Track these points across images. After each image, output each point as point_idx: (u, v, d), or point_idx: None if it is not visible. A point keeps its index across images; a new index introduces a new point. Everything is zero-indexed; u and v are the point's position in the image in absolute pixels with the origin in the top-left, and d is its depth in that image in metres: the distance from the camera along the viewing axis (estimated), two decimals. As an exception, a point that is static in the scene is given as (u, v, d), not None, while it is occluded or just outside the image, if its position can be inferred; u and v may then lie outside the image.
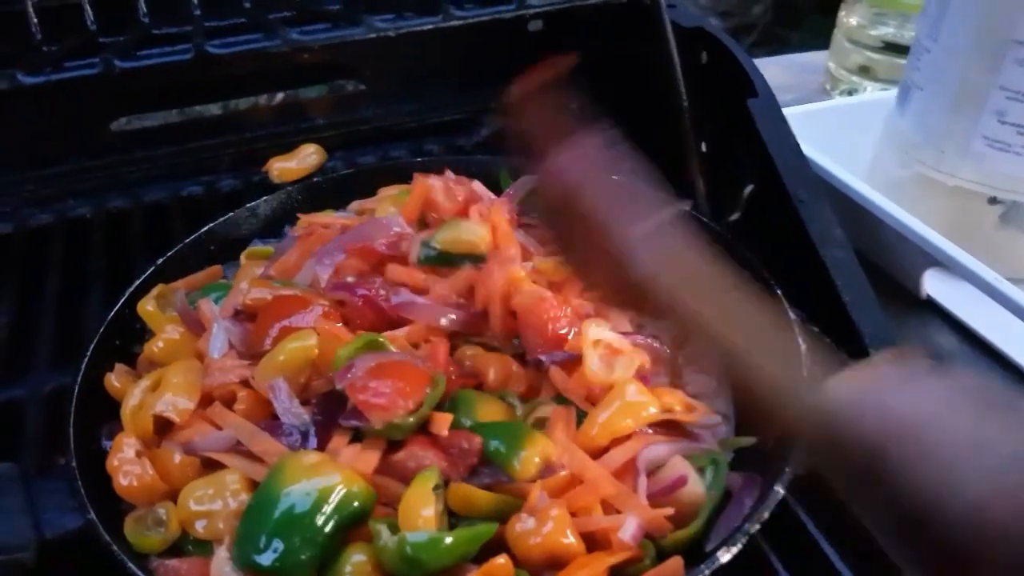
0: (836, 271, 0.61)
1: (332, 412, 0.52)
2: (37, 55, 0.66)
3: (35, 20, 0.73)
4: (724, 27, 2.77)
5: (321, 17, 0.59)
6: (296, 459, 0.49)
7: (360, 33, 0.52)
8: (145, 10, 0.75)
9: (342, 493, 0.47)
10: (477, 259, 0.64)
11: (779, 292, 0.62)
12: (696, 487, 0.53)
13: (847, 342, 0.62)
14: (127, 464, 0.52)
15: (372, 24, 0.52)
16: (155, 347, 0.62)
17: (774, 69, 1.19)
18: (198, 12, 0.76)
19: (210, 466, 0.53)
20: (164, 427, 0.55)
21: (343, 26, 0.53)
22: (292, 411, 0.53)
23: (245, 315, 0.63)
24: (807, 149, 0.71)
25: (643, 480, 0.52)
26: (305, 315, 0.59)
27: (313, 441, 0.51)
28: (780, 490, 0.49)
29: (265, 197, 0.78)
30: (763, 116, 0.69)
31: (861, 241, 0.73)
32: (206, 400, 0.56)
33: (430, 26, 0.53)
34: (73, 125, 0.93)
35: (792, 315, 0.60)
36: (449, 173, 0.74)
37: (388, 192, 0.77)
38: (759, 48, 2.83)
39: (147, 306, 0.65)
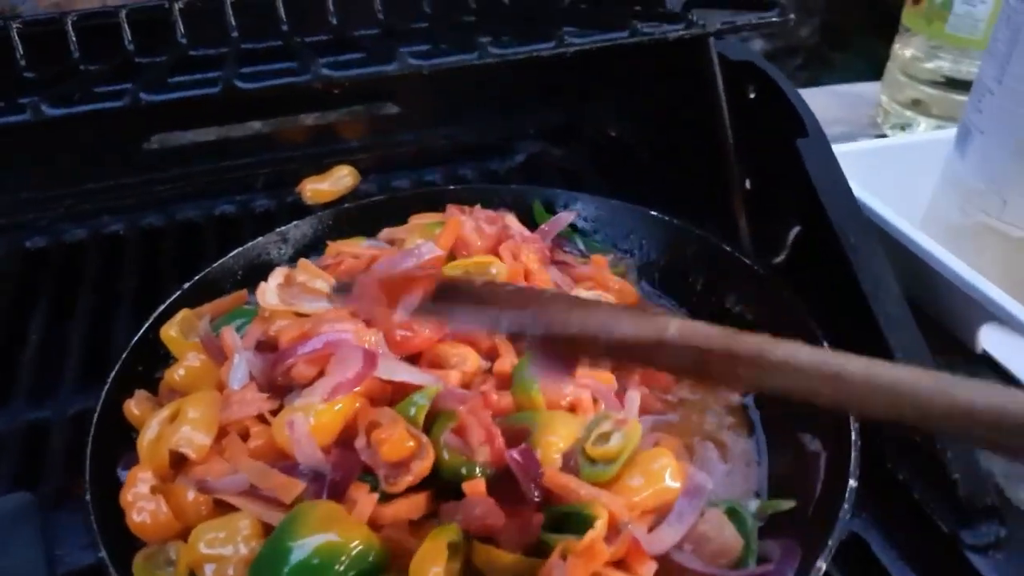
0: (888, 326, 0.58)
1: (351, 463, 0.50)
2: (73, 76, 0.66)
3: (74, 39, 0.73)
4: (769, 48, 2.74)
5: (356, 44, 0.57)
6: (312, 509, 0.47)
7: (392, 69, 0.50)
8: (183, 31, 0.75)
9: (357, 549, 0.45)
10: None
11: (824, 343, 0.58)
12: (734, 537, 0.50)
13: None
14: (141, 500, 0.50)
15: (405, 60, 0.50)
16: (176, 374, 0.61)
17: (823, 99, 1.16)
18: (235, 34, 0.76)
19: (225, 505, 0.51)
20: (181, 459, 0.54)
21: (375, 61, 0.51)
22: (310, 452, 0.51)
23: (268, 345, 0.61)
24: (858, 190, 0.68)
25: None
26: (319, 339, 0.57)
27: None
28: (823, 565, 0.46)
29: (295, 222, 0.77)
30: (812, 156, 0.66)
31: (913, 289, 0.69)
32: (224, 433, 0.54)
33: (464, 64, 0.51)
34: (109, 143, 0.93)
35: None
36: (479, 208, 0.73)
37: (419, 221, 0.75)
38: (804, 71, 2.79)
39: (170, 332, 0.64)
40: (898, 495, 0.57)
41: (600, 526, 0.46)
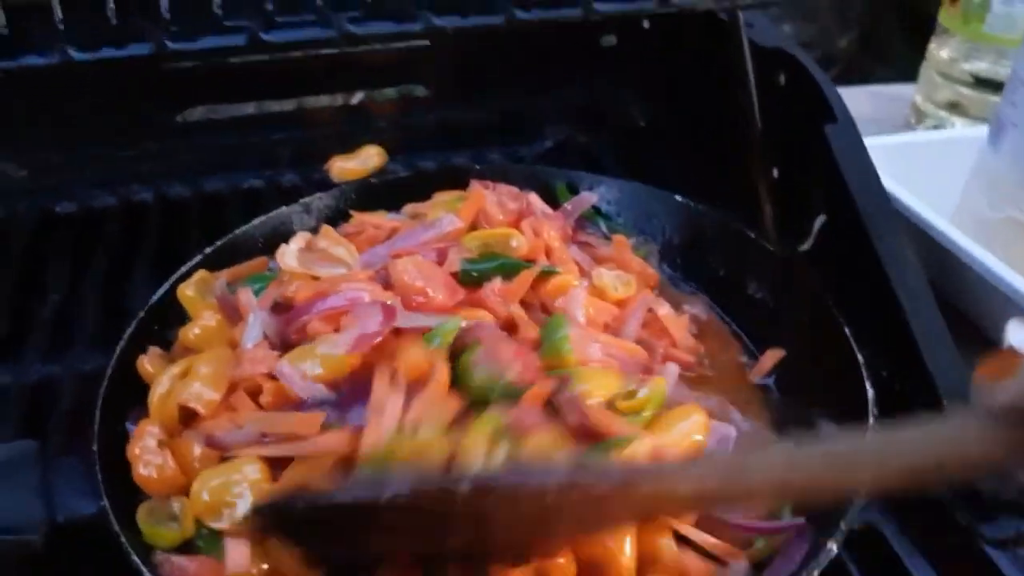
0: (912, 314, 0.57)
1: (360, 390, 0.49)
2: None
3: (111, 5, 0.74)
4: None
5: (386, 15, 0.57)
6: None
7: (417, 28, 0.50)
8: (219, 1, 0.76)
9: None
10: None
11: (847, 330, 0.58)
12: None
13: (918, 389, 0.58)
14: (148, 453, 0.50)
15: (430, 20, 0.50)
16: (191, 333, 0.61)
17: (858, 98, 1.14)
18: (270, 6, 0.76)
19: (231, 459, 0.51)
20: (191, 416, 0.54)
21: (401, 20, 0.51)
22: (309, 388, 0.51)
23: (284, 307, 0.61)
24: (888, 183, 0.67)
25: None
26: (338, 296, 0.57)
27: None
28: (834, 547, 0.45)
29: (319, 194, 0.77)
30: (841, 143, 0.65)
31: (941, 282, 0.68)
32: (234, 390, 0.54)
33: (490, 26, 0.51)
34: (142, 112, 0.94)
35: (859, 356, 0.56)
36: (502, 185, 0.72)
37: (442, 197, 0.75)
38: (842, 81, 2.75)
39: (187, 291, 0.64)
40: (916, 486, 0.55)
41: (640, 446, 0.47)
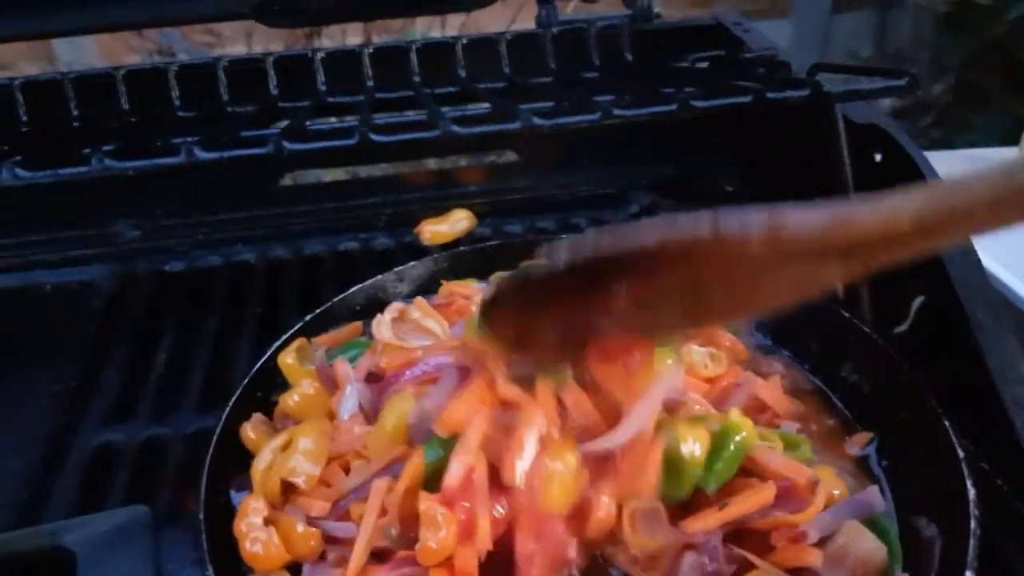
0: (1016, 410, 0.55)
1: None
2: (221, 119, 0.71)
3: (224, 82, 0.79)
4: (898, 106, 2.65)
5: (481, 97, 0.60)
6: None
7: (515, 128, 0.52)
8: (323, 78, 0.80)
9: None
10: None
11: (946, 422, 0.56)
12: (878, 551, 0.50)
13: (1022, 489, 0.55)
14: (254, 530, 0.52)
15: (529, 119, 0.52)
16: (291, 400, 0.64)
17: (955, 165, 1.11)
18: (370, 83, 0.80)
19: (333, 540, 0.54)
20: (291, 486, 0.56)
21: (499, 119, 0.53)
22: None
23: (377, 377, 0.64)
24: (989, 263, 0.65)
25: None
26: (421, 365, 0.59)
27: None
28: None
29: (412, 263, 0.79)
30: (940, 226, 0.63)
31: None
32: (331, 462, 0.57)
33: (585, 125, 0.53)
34: (247, 178, 0.99)
35: (959, 450, 0.54)
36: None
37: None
38: (937, 128, 2.68)
39: (287, 359, 0.67)
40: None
41: None
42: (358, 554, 0.50)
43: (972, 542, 0.48)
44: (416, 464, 0.51)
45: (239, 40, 1.82)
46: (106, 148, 0.49)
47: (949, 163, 0.71)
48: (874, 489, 0.55)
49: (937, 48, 2.72)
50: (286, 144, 0.50)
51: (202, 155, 0.49)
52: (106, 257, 0.97)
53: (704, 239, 0.37)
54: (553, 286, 0.43)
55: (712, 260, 0.38)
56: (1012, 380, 0.57)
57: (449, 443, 0.50)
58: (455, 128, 0.51)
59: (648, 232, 0.39)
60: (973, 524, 0.49)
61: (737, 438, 0.52)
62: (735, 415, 0.54)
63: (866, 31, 3.14)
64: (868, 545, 0.50)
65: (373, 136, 0.51)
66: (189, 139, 0.51)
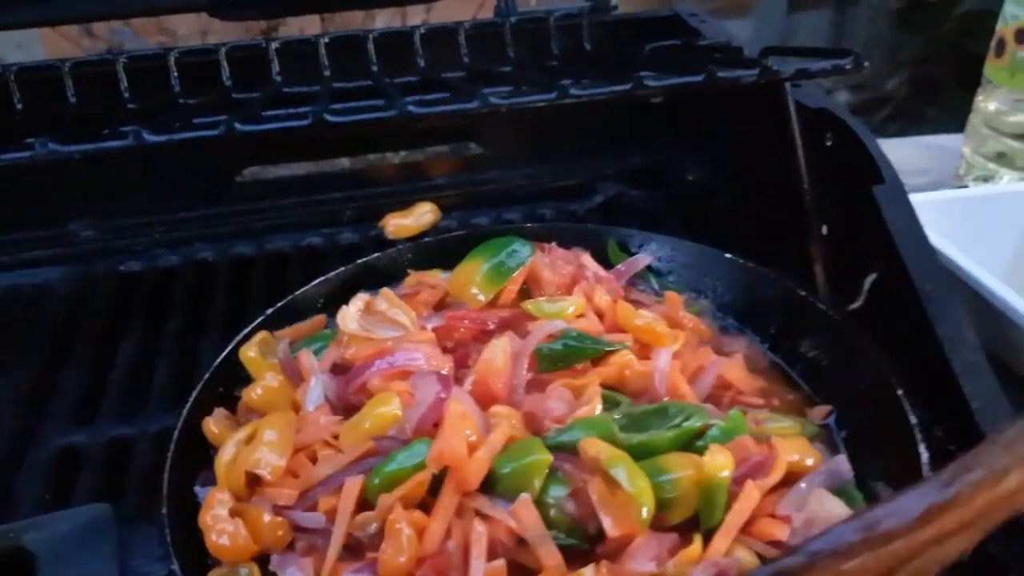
0: (965, 376, 0.56)
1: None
2: (173, 108, 0.71)
3: (175, 74, 0.78)
4: (855, 100, 2.70)
5: (442, 85, 0.60)
6: None
7: (474, 107, 0.52)
8: (278, 69, 0.80)
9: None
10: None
11: (900, 391, 0.57)
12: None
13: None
14: (220, 522, 0.52)
15: (487, 99, 0.52)
16: (253, 394, 0.63)
17: (907, 150, 1.14)
18: (327, 73, 0.80)
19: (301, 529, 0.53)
20: (258, 479, 0.56)
21: (459, 99, 0.53)
22: None
23: (343, 368, 0.64)
24: (937, 240, 0.67)
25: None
26: (389, 359, 0.59)
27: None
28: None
29: (377, 254, 0.79)
30: (889, 204, 0.65)
31: (994, 341, 0.68)
32: (297, 453, 0.57)
33: (543, 103, 0.53)
34: (205, 173, 0.98)
35: (913, 417, 0.56)
36: (556, 247, 0.74)
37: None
38: (892, 123, 2.73)
39: (249, 352, 0.66)
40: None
41: None
42: (332, 555, 0.50)
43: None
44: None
45: (194, 39, 1.79)
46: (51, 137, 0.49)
47: (899, 149, 0.73)
48: (842, 458, 0.57)
49: (892, 44, 2.77)
50: (238, 125, 0.50)
51: (151, 138, 0.48)
52: (61, 259, 0.96)
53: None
54: None
55: None
56: (961, 348, 0.58)
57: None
58: (412, 108, 0.51)
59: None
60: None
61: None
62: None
63: (823, 29, 3.19)
64: (837, 511, 0.52)
65: (328, 116, 0.50)
66: (137, 126, 0.50)
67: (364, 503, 0.52)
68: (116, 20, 1.61)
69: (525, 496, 0.48)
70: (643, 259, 0.76)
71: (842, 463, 0.56)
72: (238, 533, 0.52)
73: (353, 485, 0.52)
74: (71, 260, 0.96)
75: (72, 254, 0.96)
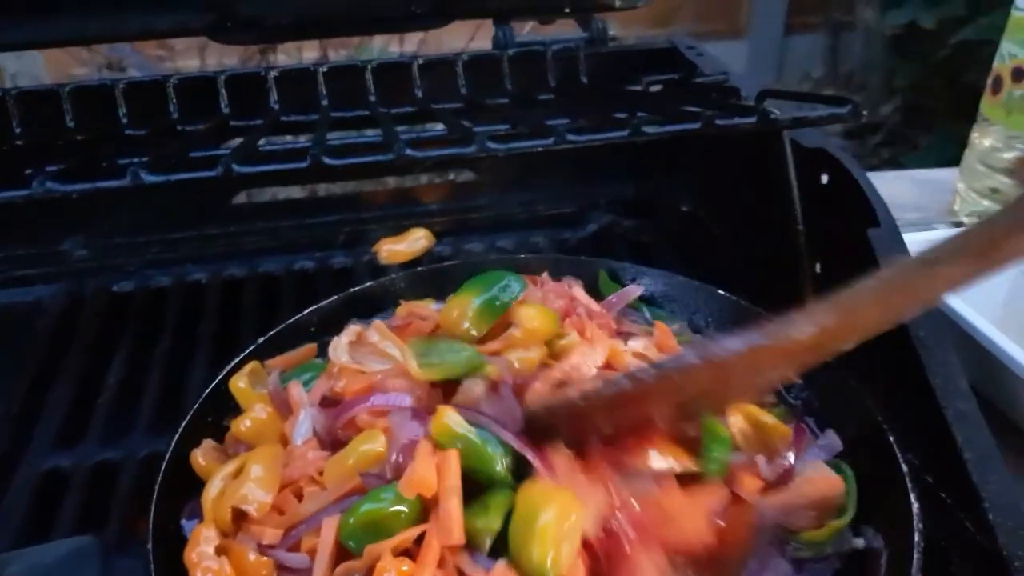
0: (957, 425, 0.56)
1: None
2: (171, 136, 0.71)
3: (174, 100, 0.78)
4: (848, 126, 2.71)
5: (438, 118, 0.60)
6: None
7: (471, 152, 0.52)
8: (276, 97, 0.80)
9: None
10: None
11: (891, 438, 0.57)
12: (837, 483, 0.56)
13: (964, 502, 0.57)
14: (205, 560, 0.51)
15: (484, 144, 0.52)
16: (242, 426, 0.62)
17: (899, 185, 1.15)
18: (325, 102, 0.80)
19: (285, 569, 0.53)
20: (244, 514, 0.55)
21: (455, 142, 0.53)
22: None
23: (333, 401, 0.63)
24: (931, 283, 0.67)
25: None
26: (384, 397, 0.59)
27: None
28: None
29: (370, 283, 0.79)
30: (884, 248, 0.65)
31: (986, 386, 0.68)
32: (284, 488, 0.56)
33: (540, 149, 0.53)
34: (198, 197, 0.98)
35: (904, 465, 0.56)
36: (547, 277, 0.74)
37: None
38: (885, 148, 2.75)
39: (239, 383, 0.66)
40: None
41: None
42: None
43: (916, 555, 0.49)
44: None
45: (192, 53, 1.80)
46: (49, 169, 0.49)
47: (892, 183, 0.73)
48: (830, 432, 0.61)
49: (886, 69, 2.79)
50: (235, 167, 0.50)
51: (148, 178, 0.48)
52: (53, 277, 0.96)
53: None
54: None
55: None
56: (954, 396, 0.58)
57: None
58: (410, 152, 0.51)
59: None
60: (917, 537, 0.50)
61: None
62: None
63: (818, 52, 3.22)
64: (829, 475, 0.57)
65: (326, 159, 0.50)
66: (136, 160, 0.50)
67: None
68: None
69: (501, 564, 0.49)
70: (634, 290, 0.76)
71: (831, 437, 0.61)
72: (223, 571, 0.51)
73: (332, 524, 0.51)
74: (63, 278, 0.95)
75: (64, 272, 0.96)
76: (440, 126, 0.65)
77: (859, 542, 0.55)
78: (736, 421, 0.60)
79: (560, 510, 0.49)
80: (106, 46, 1.76)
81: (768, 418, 0.61)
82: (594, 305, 0.73)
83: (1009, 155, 1.04)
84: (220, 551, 0.52)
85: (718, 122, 0.58)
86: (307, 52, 1.69)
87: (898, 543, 0.52)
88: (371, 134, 0.82)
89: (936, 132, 2.48)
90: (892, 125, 2.78)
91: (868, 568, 0.53)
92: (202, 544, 0.51)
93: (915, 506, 0.53)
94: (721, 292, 0.76)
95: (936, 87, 2.61)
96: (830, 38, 3.16)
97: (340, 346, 0.67)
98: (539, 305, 0.67)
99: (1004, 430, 0.60)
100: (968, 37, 2.37)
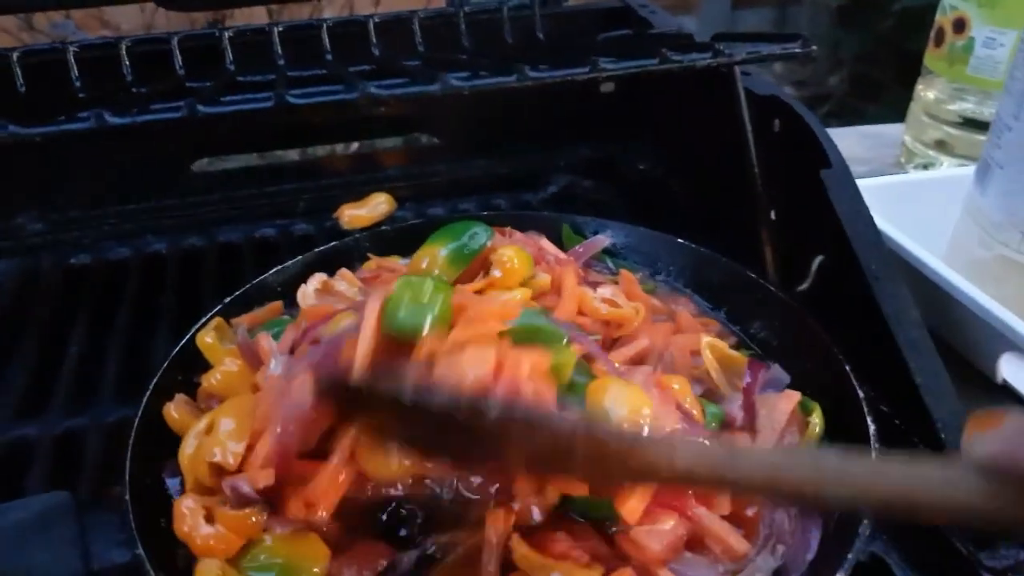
0: (910, 352, 0.59)
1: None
2: (127, 96, 0.70)
3: (127, 63, 0.77)
4: (797, 96, 2.77)
5: (399, 73, 0.60)
6: None
7: (435, 90, 0.53)
8: (231, 58, 0.79)
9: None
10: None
11: (848, 368, 0.60)
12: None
13: (917, 426, 0.60)
14: (200, 527, 0.51)
15: (448, 82, 0.53)
16: (213, 379, 0.63)
17: (849, 140, 1.18)
18: (282, 62, 0.80)
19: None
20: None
21: (420, 83, 0.54)
22: None
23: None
24: (881, 223, 0.69)
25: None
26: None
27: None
28: (841, 577, 0.47)
29: (334, 243, 0.79)
30: (836, 187, 0.68)
31: (935, 320, 0.71)
32: (257, 436, 0.56)
33: (504, 86, 0.54)
34: (156, 164, 0.97)
35: (860, 392, 0.58)
36: (514, 231, 0.75)
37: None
38: (833, 119, 2.81)
39: (206, 338, 0.66)
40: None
41: None
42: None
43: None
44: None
45: (137, 33, 1.76)
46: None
47: (841, 138, 0.75)
48: (776, 366, 0.64)
49: (833, 41, 2.85)
50: (200, 107, 0.49)
51: (112, 120, 0.48)
52: (7, 252, 0.94)
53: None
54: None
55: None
56: (906, 325, 0.61)
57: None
58: (374, 90, 0.52)
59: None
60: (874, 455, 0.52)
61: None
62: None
63: (766, 25, 3.26)
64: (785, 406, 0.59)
65: (291, 98, 0.51)
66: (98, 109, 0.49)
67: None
68: (60, 10, 1.57)
69: None
70: (601, 240, 0.78)
71: (777, 370, 0.64)
72: (220, 533, 0.51)
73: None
74: (18, 254, 0.93)
75: (19, 248, 0.94)
76: (402, 80, 0.65)
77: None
78: (707, 355, 0.62)
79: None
80: (48, 24, 1.71)
81: (734, 353, 0.63)
82: (561, 255, 0.74)
83: (953, 106, 1.08)
84: (209, 519, 0.52)
85: (674, 58, 0.59)
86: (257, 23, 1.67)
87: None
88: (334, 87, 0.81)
89: (883, 101, 2.54)
90: (840, 95, 2.84)
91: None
92: (189, 516, 0.51)
93: (871, 428, 0.56)
94: (681, 241, 0.78)
95: (882, 56, 2.67)
96: (777, 11, 3.21)
97: (307, 292, 0.67)
98: (516, 247, 0.67)
99: (950, 361, 0.62)
100: (910, 4, 2.43)
